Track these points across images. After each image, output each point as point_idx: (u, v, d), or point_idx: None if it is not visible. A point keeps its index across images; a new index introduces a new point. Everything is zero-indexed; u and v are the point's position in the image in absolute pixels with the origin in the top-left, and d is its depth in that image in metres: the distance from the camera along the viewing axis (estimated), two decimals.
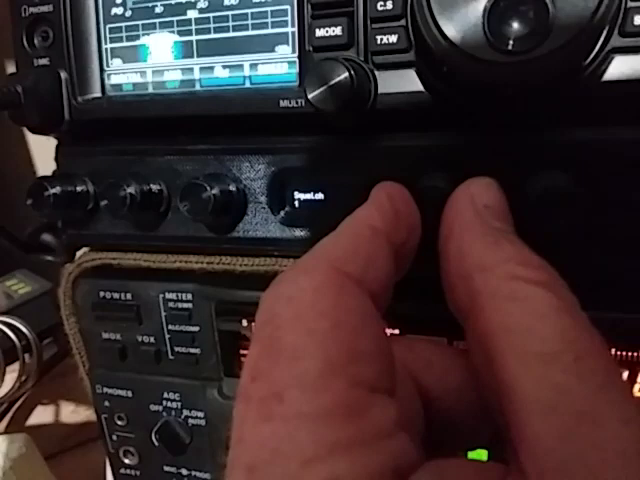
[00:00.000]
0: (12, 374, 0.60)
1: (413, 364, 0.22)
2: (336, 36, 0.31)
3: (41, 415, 0.68)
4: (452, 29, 0.25)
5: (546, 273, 0.20)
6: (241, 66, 0.35)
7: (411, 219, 0.24)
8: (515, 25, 0.25)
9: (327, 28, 0.31)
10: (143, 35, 0.37)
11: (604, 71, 0.28)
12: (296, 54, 0.34)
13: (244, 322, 0.39)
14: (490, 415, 0.21)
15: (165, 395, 0.42)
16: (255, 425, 0.17)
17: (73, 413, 0.68)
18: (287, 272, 0.21)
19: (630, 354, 0.32)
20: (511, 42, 0.25)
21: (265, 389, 0.18)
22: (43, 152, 0.74)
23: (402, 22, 0.30)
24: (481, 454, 0.34)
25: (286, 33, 0.34)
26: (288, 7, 0.34)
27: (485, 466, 0.18)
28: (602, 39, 0.27)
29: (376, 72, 0.31)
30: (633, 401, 0.17)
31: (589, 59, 0.27)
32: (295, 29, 0.33)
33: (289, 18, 0.34)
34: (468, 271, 0.21)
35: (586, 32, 0.24)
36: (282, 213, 0.36)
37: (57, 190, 0.37)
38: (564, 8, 0.24)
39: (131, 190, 0.35)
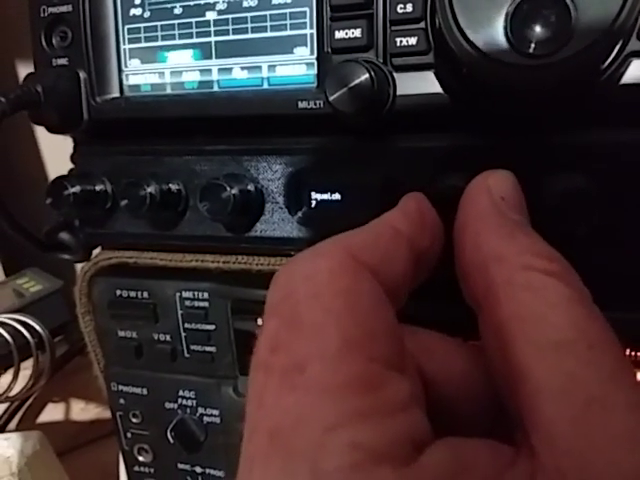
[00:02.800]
0: (25, 372, 0.60)
1: (417, 350, 0.22)
2: (355, 38, 0.32)
3: (51, 413, 0.68)
4: (474, 32, 0.25)
5: (560, 265, 0.20)
6: (259, 67, 0.36)
7: (436, 229, 0.25)
8: (537, 29, 0.25)
9: (347, 30, 0.32)
10: (162, 36, 0.38)
11: (622, 74, 0.28)
12: (314, 56, 0.34)
13: (260, 321, 0.40)
14: (490, 405, 0.22)
15: (180, 393, 0.42)
16: (278, 393, 0.18)
17: (83, 411, 0.69)
18: (303, 253, 0.22)
19: None
20: (533, 45, 0.25)
21: (287, 360, 0.19)
22: (54, 152, 0.75)
23: (422, 25, 0.30)
24: None
25: (305, 35, 0.34)
26: (307, 9, 0.34)
27: (497, 446, 0.18)
28: (620, 43, 0.27)
29: (395, 74, 0.31)
30: None
31: (607, 62, 0.28)
32: (314, 31, 0.34)
33: (308, 20, 0.34)
34: (484, 261, 0.21)
35: (607, 36, 0.24)
36: (299, 213, 0.36)
37: (76, 189, 0.37)
38: (586, 12, 0.24)
39: (151, 190, 0.36)
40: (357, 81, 0.30)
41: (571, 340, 0.18)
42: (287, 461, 0.17)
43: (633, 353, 0.32)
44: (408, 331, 0.23)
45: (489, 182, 0.24)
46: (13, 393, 0.59)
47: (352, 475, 0.16)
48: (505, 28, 0.25)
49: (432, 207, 0.26)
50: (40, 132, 0.80)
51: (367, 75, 0.30)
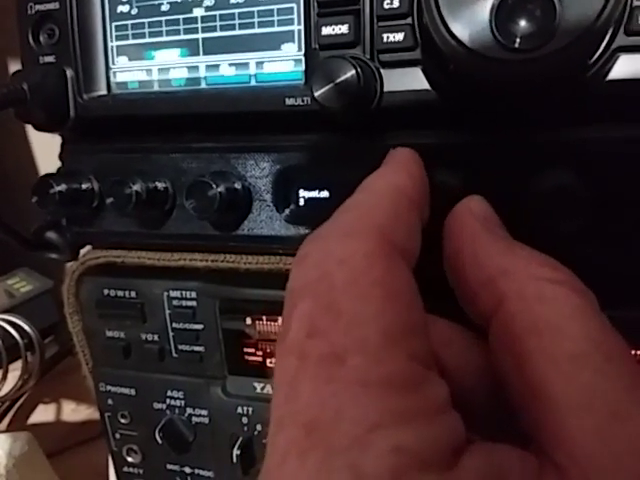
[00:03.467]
0: (14, 372, 0.60)
1: (435, 340, 0.22)
2: (342, 34, 0.31)
3: (42, 414, 0.68)
4: (459, 27, 0.25)
5: (565, 273, 0.20)
6: (247, 64, 0.35)
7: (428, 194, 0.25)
8: (522, 23, 0.25)
9: (334, 26, 0.32)
10: (149, 33, 0.37)
11: (609, 69, 0.28)
12: (302, 52, 0.34)
13: (248, 320, 0.39)
14: (501, 402, 0.21)
15: (169, 393, 0.42)
16: (314, 384, 0.17)
17: (74, 412, 0.68)
18: (331, 229, 0.21)
19: None
20: (518, 40, 0.25)
21: (325, 348, 0.18)
22: (45, 150, 0.74)
23: (408, 20, 0.30)
24: None
25: (292, 31, 0.34)
26: (294, 5, 0.34)
27: (525, 456, 0.18)
28: (608, 38, 0.27)
29: (382, 70, 0.31)
30: None
31: (595, 57, 0.27)
32: (301, 27, 0.34)
33: (295, 16, 0.34)
34: (490, 276, 0.21)
35: (592, 31, 0.24)
36: (287, 211, 0.36)
37: (62, 188, 0.37)
38: (571, 7, 0.24)
39: (137, 188, 0.35)
40: (343, 77, 0.30)
41: (588, 352, 0.18)
42: (326, 458, 0.16)
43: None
44: (429, 320, 0.23)
45: (470, 206, 0.24)
46: (2, 394, 0.59)
47: None
48: (490, 23, 0.25)
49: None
50: (32, 130, 0.79)
51: (353, 71, 0.29)
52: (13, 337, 0.59)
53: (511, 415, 0.20)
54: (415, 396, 0.17)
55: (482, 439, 0.18)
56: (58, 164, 0.42)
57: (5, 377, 0.58)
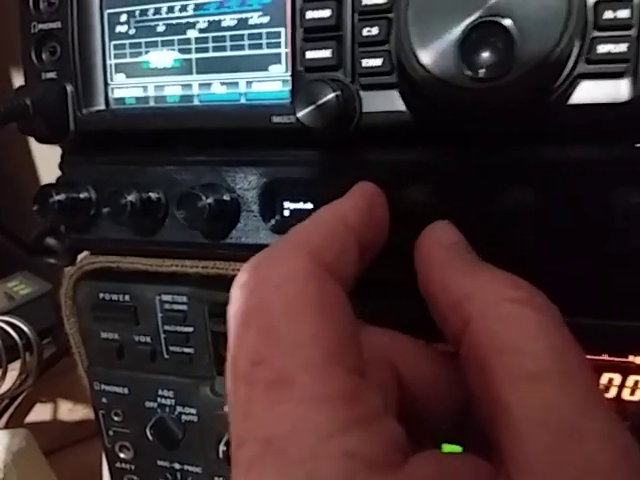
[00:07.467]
0: (12, 372, 0.62)
1: (395, 354, 0.24)
2: (326, 58, 0.34)
3: (39, 413, 0.69)
4: (428, 57, 0.27)
5: (528, 291, 0.21)
6: (237, 83, 0.38)
7: (382, 223, 0.27)
8: (485, 55, 0.27)
9: (317, 51, 0.34)
10: (145, 52, 0.40)
11: (571, 94, 0.30)
12: (289, 73, 0.36)
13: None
14: (459, 411, 0.23)
15: (160, 392, 0.44)
16: (266, 405, 0.19)
17: (70, 411, 0.70)
18: (264, 256, 0.23)
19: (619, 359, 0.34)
20: (482, 70, 0.27)
21: (271, 374, 0.19)
22: (46, 159, 0.76)
23: (386, 47, 0.32)
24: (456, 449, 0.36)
25: (280, 54, 0.36)
26: (282, 30, 0.36)
27: (479, 463, 0.19)
28: (570, 65, 0.29)
29: (361, 92, 0.33)
30: (612, 416, 0.18)
31: (557, 83, 0.30)
32: (288, 50, 0.36)
33: (282, 40, 0.36)
34: (457, 301, 0.22)
35: (549, 62, 0.26)
36: (272, 221, 0.38)
37: (61, 197, 0.39)
38: (529, 40, 0.26)
39: (132, 198, 0.38)
40: (324, 99, 0.32)
41: (545, 370, 0.19)
42: (285, 469, 0.18)
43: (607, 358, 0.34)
44: (386, 334, 0.25)
45: (437, 233, 0.26)
46: (0, 392, 0.61)
47: None
48: (456, 53, 0.27)
49: (381, 197, 0.27)
50: (33, 140, 0.81)
51: (333, 94, 0.32)
52: (12, 338, 0.61)
53: (466, 416, 0.22)
54: (357, 405, 0.19)
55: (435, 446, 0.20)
56: (58, 172, 0.44)
57: (4, 376, 0.60)
